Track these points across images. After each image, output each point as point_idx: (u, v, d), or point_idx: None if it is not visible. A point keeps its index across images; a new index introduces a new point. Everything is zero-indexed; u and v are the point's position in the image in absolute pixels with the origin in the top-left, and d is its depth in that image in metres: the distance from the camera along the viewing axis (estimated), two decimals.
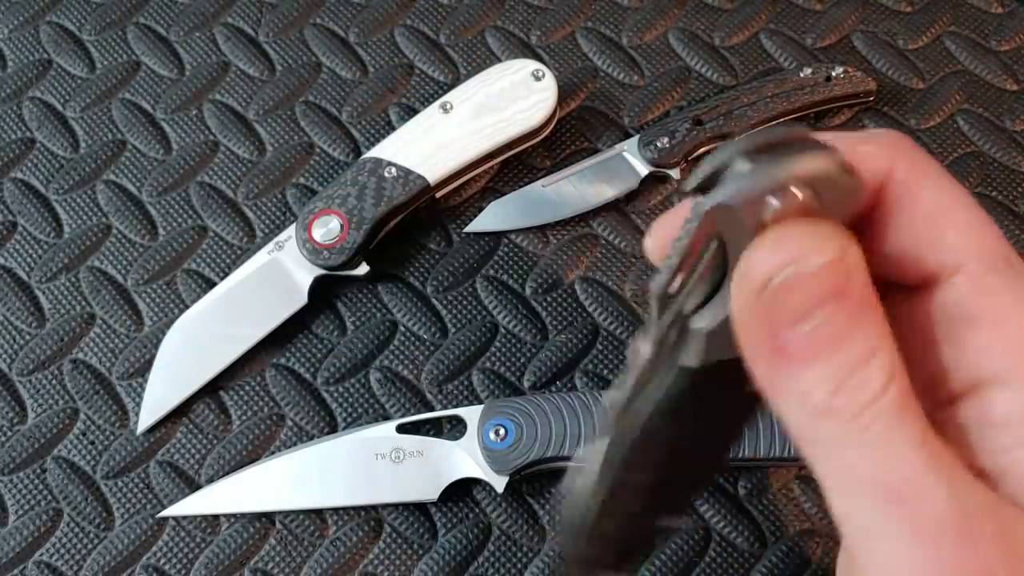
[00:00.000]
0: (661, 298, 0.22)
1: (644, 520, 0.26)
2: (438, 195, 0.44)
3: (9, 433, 0.42)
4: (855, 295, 0.20)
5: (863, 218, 0.23)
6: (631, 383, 0.23)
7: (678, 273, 0.21)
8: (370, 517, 0.41)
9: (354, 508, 0.40)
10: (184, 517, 0.41)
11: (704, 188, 0.21)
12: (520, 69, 0.44)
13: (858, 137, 0.23)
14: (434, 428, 0.42)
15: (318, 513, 0.41)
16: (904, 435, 0.20)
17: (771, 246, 0.20)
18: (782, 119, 0.46)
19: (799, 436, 0.21)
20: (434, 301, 0.44)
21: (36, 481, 0.41)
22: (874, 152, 0.23)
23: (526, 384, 0.42)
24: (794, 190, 0.20)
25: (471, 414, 0.40)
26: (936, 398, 0.23)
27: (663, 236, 0.24)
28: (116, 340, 0.44)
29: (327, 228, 0.42)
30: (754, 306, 0.21)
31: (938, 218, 0.23)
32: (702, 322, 0.22)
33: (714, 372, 0.22)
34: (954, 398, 0.23)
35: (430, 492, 0.40)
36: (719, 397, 0.24)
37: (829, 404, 0.20)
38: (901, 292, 0.24)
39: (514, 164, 0.46)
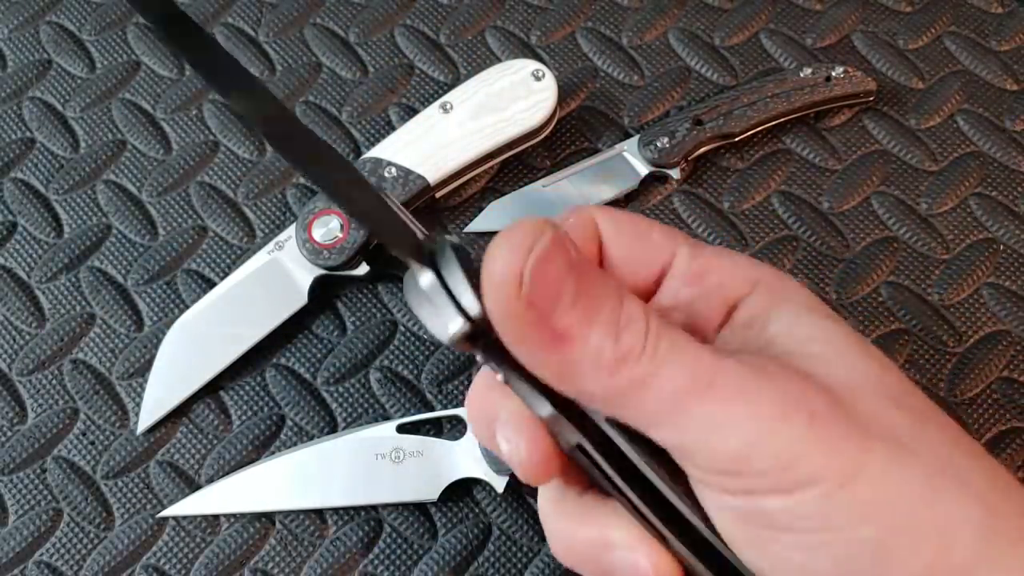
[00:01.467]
0: None
1: None
2: (438, 195, 0.44)
3: (9, 433, 0.42)
4: (580, 260, 0.24)
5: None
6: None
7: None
8: (370, 517, 0.41)
9: (354, 508, 0.40)
10: (184, 517, 0.41)
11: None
12: (520, 69, 0.44)
13: (562, 220, 0.29)
14: (434, 428, 0.42)
15: (318, 513, 0.41)
16: (685, 339, 0.24)
17: (503, 246, 0.23)
18: (782, 119, 0.46)
19: (609, 400, 0.24)
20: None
21: (36, 481, 0.41)
22: (582, 221, 0.29)
23: None
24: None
25: None
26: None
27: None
28: (116, 340, 0.44)
29: (327, 228, 0.42)
30: (519, 308, 0.23)
31: (639, 231, 0.29)
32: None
33: None
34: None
35: (430, 492, 0.40)
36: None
37: (620, 352, 0.23)
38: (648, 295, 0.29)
39: (514, 164, 0.46)
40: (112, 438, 0.42)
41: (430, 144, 0.43)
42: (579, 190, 0.45)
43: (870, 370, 0.25)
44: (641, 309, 0.24)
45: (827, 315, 0.27)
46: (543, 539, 0.40)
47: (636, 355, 0.23)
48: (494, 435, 0.27)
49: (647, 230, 0.29)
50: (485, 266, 0.23)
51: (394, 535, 0.40)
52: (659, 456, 0.25)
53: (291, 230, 0.43)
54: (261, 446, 0.42)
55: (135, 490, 0.41)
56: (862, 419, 0.24)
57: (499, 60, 0.48)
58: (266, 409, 0.42)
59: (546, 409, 0.25)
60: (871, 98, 0.46)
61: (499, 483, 0.39)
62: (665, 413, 0.24)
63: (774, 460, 0.23)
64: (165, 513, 0.41)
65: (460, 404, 0.42)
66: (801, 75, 0.45)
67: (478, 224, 0.45)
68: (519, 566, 0.40)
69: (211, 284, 0.44)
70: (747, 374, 0.24)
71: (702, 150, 0.45)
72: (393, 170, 0.43)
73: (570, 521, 0.28)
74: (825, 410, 0.23)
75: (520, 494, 0.41)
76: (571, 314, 0.23)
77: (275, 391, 0.43)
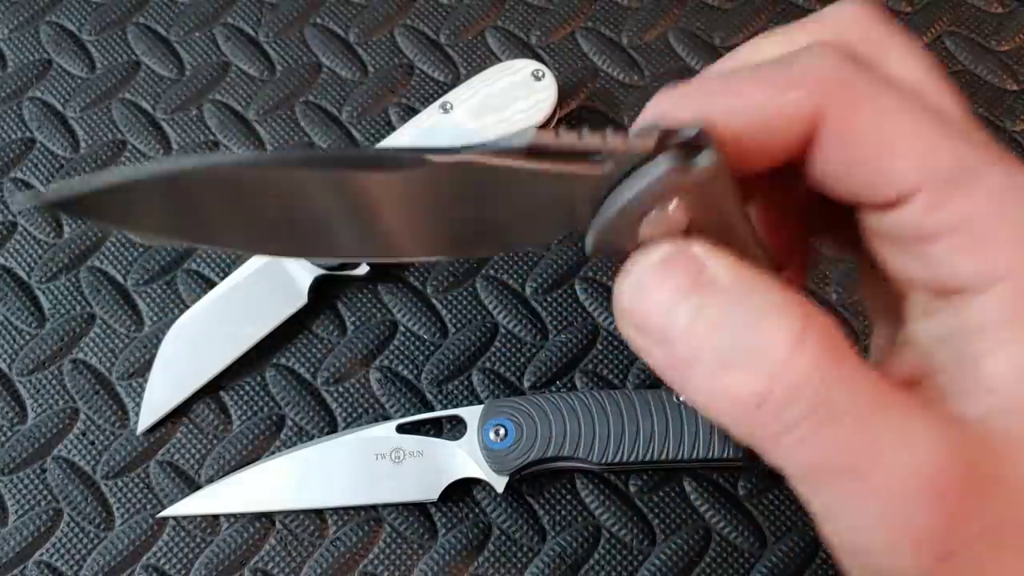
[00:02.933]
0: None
1: None
2: None
3: (9, 433, 0.42)
4: (722, 274, 0.20)
5: (805, 156, 0.22)
6: None
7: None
8: (370, 517, 0.41)
9: (354, 508, 0.40)
10: (184, 517, 0.41)
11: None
12: (520, 69, 0.44)
13: (783, 82, 0.21)
14: (434, 428, 0.42)
15: (318, 513, 0.41)
16: (841, 405, 0.18)
17: (621, 283, 0.21)
18: None
19: (739, 431, 0.20)
20: (434, 301, 0.44)
21: (36, 481, 0.41)
22: (802, 100, 0.21)
23: (526, 384, 0.42)
24: (663, 211, 0.20)
25: (471, 414, 0.40)
26: (900, 316, 0.22)
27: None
28: (116, 340, 0.44)
29: None
30: (626, 328, 0.21)
31: (883, 150, 0.21)
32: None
33: None
34: (922, 314, 0.22)
35: (430, 492, 0.40)
36: None
37: (740, 396, 0.19)
38: (864, 210, 0.22)
39: None
40: (112, 438, 0.42)
41: (430, 144, 0.43)
42: None
43: None
44: (787, 343, 0.19)
45: None
46: (543, 539, 0.40)
47: (763, 405, 0.19)
48: None
49: (891, 153, 0.20)
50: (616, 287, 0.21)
51: (394, 535, 0.40)
52: None
53: None
54: (261, 446, 0.42)
55: (135, 490, 0.41)
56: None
57: (499, 60, 0.48)
58: (266, 409, 0.42)
59: None
60: None
61: (499, 483, 0.39)
62: (791, 472, 0.20)
63: None
64: (165, 513, 0.41)
65: (460, 404, 0.42)
66: None
67: None
68: (519, 566, 0.40)
69: (211, 284, 0.44)
70: (896, 477, 0.19)
71: None
72: None
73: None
74: (972, 544, 0.19)
75: (520, 494, 0.41)
76: (683, 342, 0.20)
77: (275, 391, 0.43)
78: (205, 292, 0.44)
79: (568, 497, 0.41)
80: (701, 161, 0.20)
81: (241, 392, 0.43)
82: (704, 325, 0.20)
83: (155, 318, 0.44)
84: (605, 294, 0.44)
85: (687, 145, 0.20)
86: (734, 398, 0.19)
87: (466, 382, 0.43)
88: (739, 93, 0.22)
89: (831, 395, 0.18)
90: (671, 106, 0.22)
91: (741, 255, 0.21)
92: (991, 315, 0.20)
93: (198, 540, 0.40)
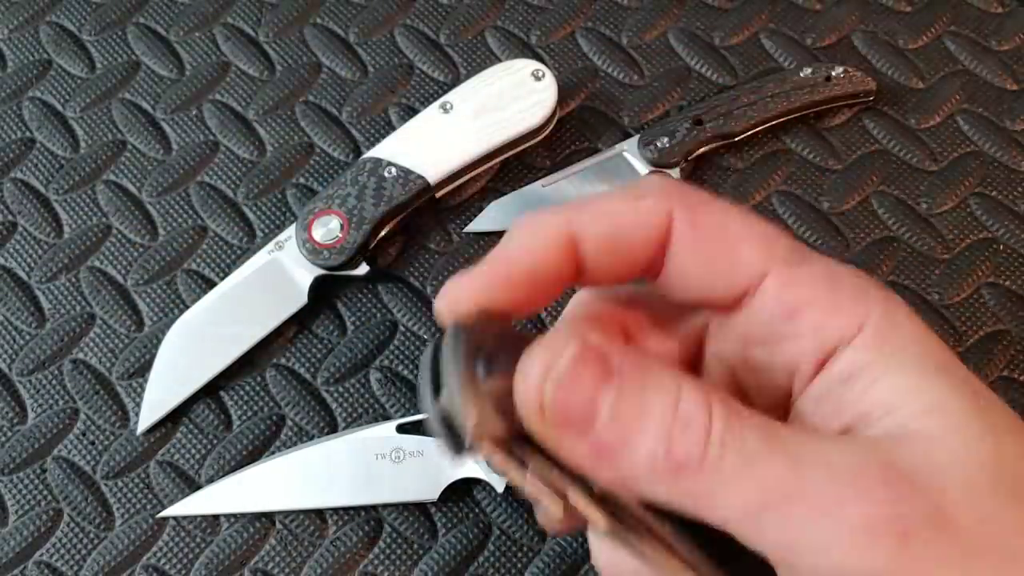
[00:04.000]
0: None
1: None
2: (438, 195, 0.44)
3: (9, 433, 0.42)
4: (625, 363, 0.22)
5: (657, 263, 0.25)
6: None
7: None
8: (370, 517, 0.41)
9: (354, 508, 0.40)
10: (184, 517, 0.41)
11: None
12: (520, 69, 0.44)
13: (633, 195, 0.25)
14: None
15: (318, 513, 0.41)
16: (757, 440, 0.21)
17: (524, 371, 0.21)
18: (782, 119, 0.46)
19: (676, 502, 0.22)
20: (434, 301, 0.44)
21: (36, 481, 0.41)
22: (652, 204, 0.24)
23: None
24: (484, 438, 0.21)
25: None
26: (783, 392, 0.25)
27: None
28: (116, 340, 0.44)
29: (327, 228, 0.42)
30: (546, 428, 0.21)
31: (726, 239, 0.24)
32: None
33: None
34: (801, 389, 0.25)
35: (430, 492, 0.40)
36: None
37: (674, 462, 0.21)
38: (721, 314, 0.26)
39: (514, 164, 0.46)
40: (112, 438, 0.42)
41: (430, 144, 0.43)
42: (579, 190, 0.45)
43: (992, 454, 0.22)
44: (702, 408, 0.21)
45: (947, 373, 0.23)
46: (543, 539, 0.40)
47: (695, 465, 0.21)
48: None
49: (735, 243, 0.24)
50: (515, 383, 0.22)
51: (394, 535, 0.40)
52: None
53: (291, 230, 0.43)
54: (261, 446, 0.42)
55: (135, 490, 0.41)
56: (966, 531, 0.21)
57: (499, 60, 0.48)
58: (266, 409, 0.42)
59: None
60: (871, 98, 0.46)
61: (499, 483, 0.39)
62: (736, 521, 0.21)
63: None
64: (165, 513, 0.41)
65: None
66: (801, 75, 0.45)
67: (478, 224, 0.45)
68: (519, 566, 0.40)
69: (211, 284, 0.44)
70: (828, 486, 0.21)
71: (702, 150, 0.45)
72: (393, 170, 0.43)
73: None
74: (920, 527, 0.20)
75: (520, 494, 0.41)
76: (611, 428, 0.21)
77: (275, 391, 0.43)
78: (205, 292, 0.44)
79: None
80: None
81: (241, 392, 0.43)
82: (627, 410, 0.21)
83: (155, 318, 0.44)
84: None
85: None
86: (670, 467, 0.21)
87: None
88: (598, 206, 0.25)
89: (746, 443, 0.21)
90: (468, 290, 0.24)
91: None
92: (863, 358, 0.23)
93: (198, 540, 0.40)
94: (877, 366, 0.23)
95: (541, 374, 0.21)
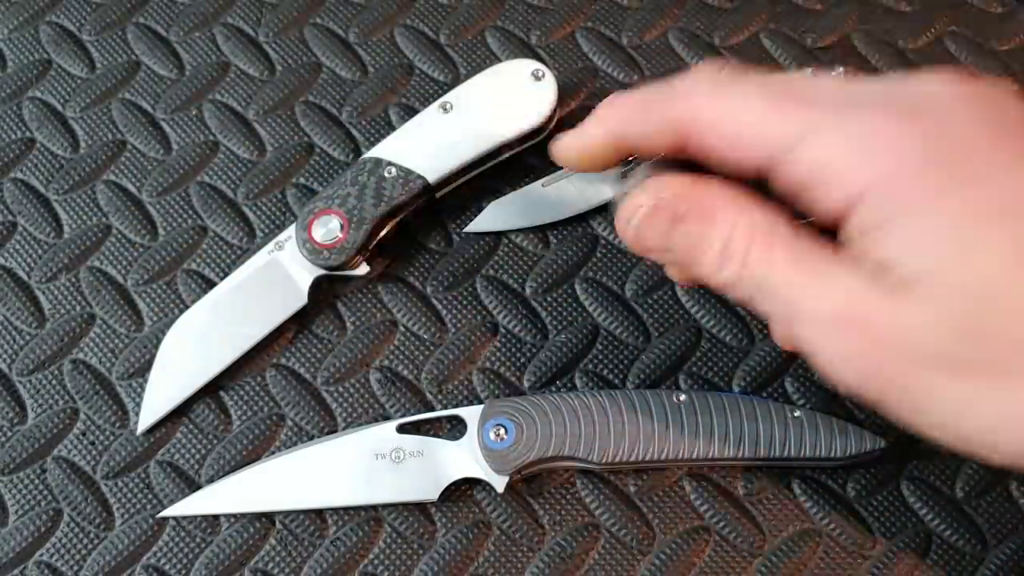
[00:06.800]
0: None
1: None
2: (438, 195, 0.44)
3: (9, 433, 0.42)
4: (690, 209, 0.30)
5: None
6: None
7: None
8: (370, 517, 0.41)
9: (354, 508, 0.40)
10: (184, 517, 0.41)
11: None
12: (520, 69, 0.44)
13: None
14: (434, 428, 0.42)
15: (318, 513, 0.41)
16: (783, 267, 0.28)
17: (618, 216, 0.32)
18: None
19: (736, 297, 0.30)
20: (434, 301, 0.44)
21: (36, 481, 0.41)
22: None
23: (526, 384, 0.42)
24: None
25: (471, 414, 0.40)
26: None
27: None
28: (116, 340, 0.44)
29: (327, 228, 0.42)
30: (641, 250, 0.33)
31: (770, 107, 0.29)
32: None
33: None
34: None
35: (430, 492, 0.40)
36: None
37: (723, 283, 0.30)
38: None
39: (514, 164, 0.46)
40: (112, 438, 0.42)
41: (430, 144, 0.43)
42: (579, 190, 0.45)
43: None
44: (743, 243, 0.29)
45: (960, 219, 0.26)
46: (543, 539, 0.40)
47: (737, 283, 0.29)
48: None
49: (778, 105, 0.28)
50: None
51: (394, 535, 0.40)
52: None
53: (291, 230, 0.43)
54: (261, 446, 0.42)
55: (135, 490, 0.41)
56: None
57: (499, 60, 0.48)
58: (266, 409, 0.42)
59: None
60: None
61: (499, 483, 0.39)
62: (781, 320, 0.29)
63: None
64: (165, 513, 0.41)
65: (460, 404, 0.42)
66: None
67: (478, 224, 0.45)
68: (519, 566, 0.40)
69: (211, 284, 0.44)
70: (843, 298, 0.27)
71: None
72: (393, 170, 0.43)
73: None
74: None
75: (520, 494, 0.41)
76: (681, 254, 0.31)
77: (275, 391, 0.43)
78: (205, 292, 0.44)
79: (568, 497, 0.41)
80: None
81: (241, 392, 0.43)
82: (689, 246, 0.30)
83: (155, 318, 0.44)
84: (605, 294, 0.44)
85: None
86: (721, 283, 0.30)
87: (466, 382, 0.43)
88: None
89: (774, 265, 0.28)
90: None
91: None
92: (873, 218, 0.27)
93: (198, 540, 0.40)
94: (886, 225, 0.27)
95: (625, 220, 0.32)
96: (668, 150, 0.32)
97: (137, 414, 0.42)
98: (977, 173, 0.26)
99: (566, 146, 0.35)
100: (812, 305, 0.28)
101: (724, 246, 0.29)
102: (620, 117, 0.33)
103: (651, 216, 0.31)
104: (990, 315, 0.25)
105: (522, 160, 0.46)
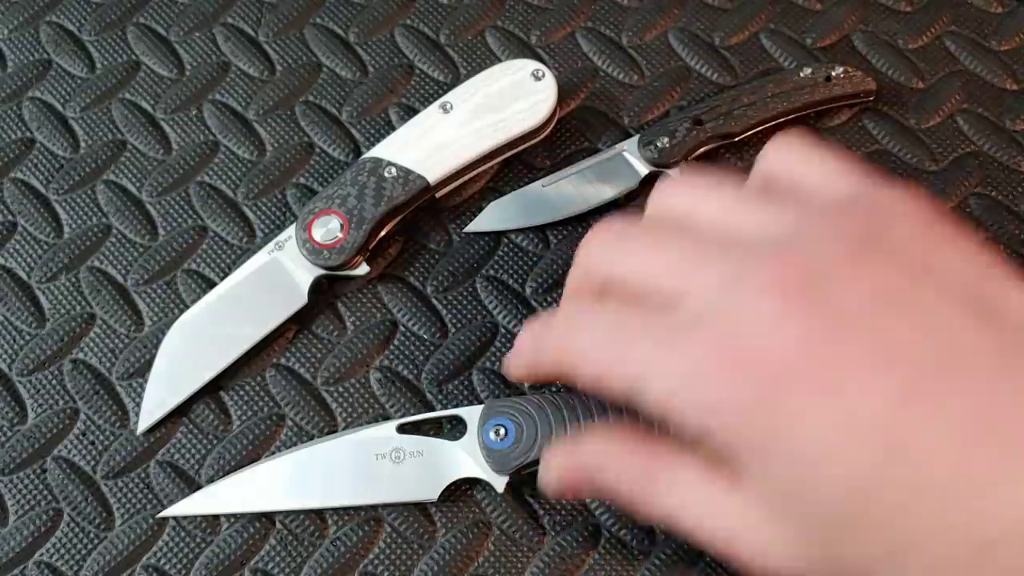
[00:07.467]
0: None
1: None
2: (438, 195, 0.44)
3: (9, 433, 0.42)
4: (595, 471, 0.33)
5: None
6: None
7: None
8: (370, 517, 0.41)
9: (354, 508, 0.40)
10: (184, 517, 0.41)
11: None
12: (520, 69, 0.44)
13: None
14: (434, 428, 0.42)
15: (318, 513, 0.41)
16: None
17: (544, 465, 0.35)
18: (782, 119, 0.46)
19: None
20: (434, 301, 0.44)
21: (36, 481, 0.41)
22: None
23: (526, 384, 0.42)
24: None
25: (471, 414, 0.40)
26: None
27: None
28: (116, 340, 0.44)
29: (327, 228, 0.42)
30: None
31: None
32: None
33: None
34: None
35: (430, 492, 0.40)
36: None
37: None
38: None
39: (514, 164, 0.46)
40: (112, 438, 0.42)
41: (430, 144, 0.43)
42: (579, 190, 0.45)
43: None
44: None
45: None
46: (543, 539, 0.40)
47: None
48: None
49: (619, 349, 0.30)
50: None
51: (394, 535, 0.40)
52: None
53: (291, 230, 0.43)
54: (261, 446, 0.42)
55: (135, 490, 0.41)
56: None
57: (499, 60, 0.48)
58: (266, 409, 0.42)
59: None
60: (871, 98, 0.46)
61: (499, 483, 0.39)
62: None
63: None
64: (165, 513, 0.41)
65: (460, 404, 0.42)
66: (801, 75, 0.45)
67: (478, 224, 0.45)
68: (519, 566, 0.40)
69: (211, 284, 0.44)
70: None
71: (702, 150, 0.45)
72: (393, 170, 0.43)
73: None
74: None
75: (520, 494, 0.41)
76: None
77: (275, 391, 0.43)
78: (205, 292, 0.44)
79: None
80: None
81: (241, 392, 0.43)
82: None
83: (155, 318, 0.44)
84: None
85: None
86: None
87: (466, 382, 0.43)
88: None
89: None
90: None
91: None
92: None
93: (198, 540, 0.40)
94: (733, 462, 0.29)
95: (547, 474, 0.34)
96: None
97: (137, 414, 0.42)
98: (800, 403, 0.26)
99: (514, 366, 0.35)
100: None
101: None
102: (528, 348, 0.34)
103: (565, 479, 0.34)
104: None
105: (522, 160, 0.46)
